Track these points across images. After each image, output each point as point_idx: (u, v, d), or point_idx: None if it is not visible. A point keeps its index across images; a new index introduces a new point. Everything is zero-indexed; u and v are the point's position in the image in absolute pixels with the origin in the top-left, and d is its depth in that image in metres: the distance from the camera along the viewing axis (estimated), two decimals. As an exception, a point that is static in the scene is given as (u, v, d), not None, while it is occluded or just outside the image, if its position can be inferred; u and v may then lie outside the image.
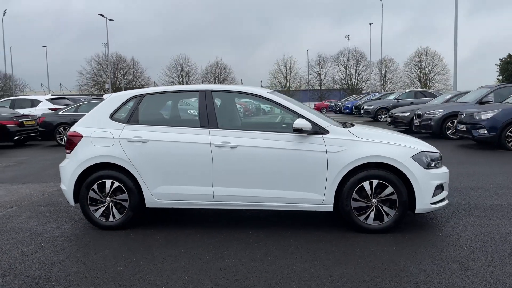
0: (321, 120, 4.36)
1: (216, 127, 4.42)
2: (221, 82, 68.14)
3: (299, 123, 4.19)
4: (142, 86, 65.12)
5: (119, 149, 4.45)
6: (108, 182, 4.48)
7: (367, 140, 4.27)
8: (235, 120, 4.77)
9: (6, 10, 53.55)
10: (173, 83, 66.97)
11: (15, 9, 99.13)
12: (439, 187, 4.30)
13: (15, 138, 13.57)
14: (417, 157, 4.20)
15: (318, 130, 4.29)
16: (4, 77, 68.79)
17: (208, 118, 4.45)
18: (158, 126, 4.51)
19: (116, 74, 66.03)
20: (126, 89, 64.59)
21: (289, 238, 4.13)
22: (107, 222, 4.52)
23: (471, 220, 4.60)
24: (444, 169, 4.42)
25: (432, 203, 4.23)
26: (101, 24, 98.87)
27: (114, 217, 4.51)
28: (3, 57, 55.45)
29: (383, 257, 3.62)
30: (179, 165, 4.39)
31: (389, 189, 4.18)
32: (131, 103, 4.66)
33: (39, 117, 14.13)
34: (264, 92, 4.57)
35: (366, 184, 4.20)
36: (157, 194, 4.43)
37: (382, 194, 4.20)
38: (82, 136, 4.57)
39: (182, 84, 66.91)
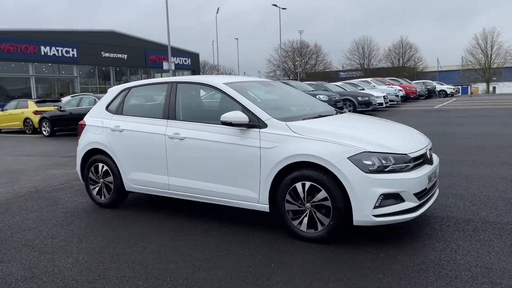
0: (263, 113, 4.00)
1: (174, 118, 4.54)
2: (404, 63, 63.67)
3: (227, 116, 3.96)
4: (324, 71, 66.26)
5: (105, 137, 5.01)
6: (100, 166, 5.12)
7: (303, 136, 3.73)
8: (194, 111, 4.73)
9: (219, 8, 61.71)
10: (361, 66, 65.76)
11: (228, 7, 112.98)
12: (392, 197, 3.46)
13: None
14: (356, 158, 3.48)
15: (257, 123, 3.97)
16: (211, 67, 79.81)
17: (169, 110, 4.60)
18: (134, 117, 4.88)
19: (300, 60, 68.69)
20: (306, 74, 66.96)
21: (224, 236, 3.97)
22: (100, 200, 5.18)
23: (454, 243, 3.56)
24: (406, 175, 3.50)
25: (376, 215, 3.45)
26: (301, 13, 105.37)
27: (104, 196, 5.14)
28: (215, 49, 64.18)
29: (265, 270, 3.22)
30: (144, 153, 4.69)
31: (322, 194, 3.60)
32: (122, 95, 5.16)
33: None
34: (218, 83, 4.40)
35: (299, 186, 3.71)
36: (130, 179, 4.85)
37: (315, 199, 3.65)
38: (85, 125, 5.32)
39: (363, 66, 65.26)
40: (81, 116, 11.54)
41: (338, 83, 22.86)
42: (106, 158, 5.05)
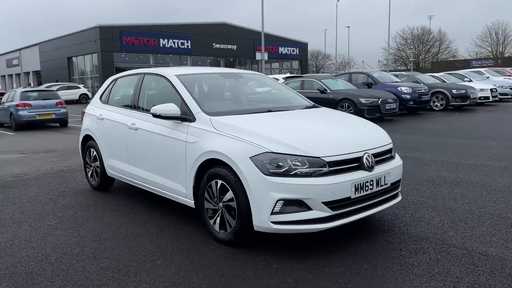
0: (195, 107, 3.86)
1: (136, 109, 4.65)
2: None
3: (157, 108, 3.90)
4: (447, 60, 60.60)
5: (93, 124, 5.35)
6: (92, 151, 5.49)
7: (220, 132, 3.52)
8: (151, 102, 4.69)
9: None
10: (493, 54, 58.50)
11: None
12: (294, 203, 3.09)
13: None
14: (257, 159, 3.17)
15: (189, 117, 3.86)
16: (324, 57, 78.86)
17: (134, 100, 4.72)
18: (113, 106, 5.12)
19: (420, 48, 63.72)
20: (432, 64, 61.68)
21: (152, 229, 3.99)
22: (92, 183, 5.57)
23: (369, 264, 3.05)
24: (312, 181, 3.08)
25: (275, 222, 3.11)
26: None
27: (95, 180, 5.52)
28: (333, 38, 63.09)
29: (144, 267, 3.14)
30: (115, 142, 4.89)
31: (230, 194, 3.37)
32: (111, 85, 5.44)
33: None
34: (169, 74, 4.33)
35: (213, 184, 3.53)
36: (108, 165, 5.12)
37: (225, 199, 3.43)
38: (85, 113, 5.74)
39: (495, 55, 57.89)
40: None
41: (439, 74, 20.71)
42: (95, 144, 5.39)
